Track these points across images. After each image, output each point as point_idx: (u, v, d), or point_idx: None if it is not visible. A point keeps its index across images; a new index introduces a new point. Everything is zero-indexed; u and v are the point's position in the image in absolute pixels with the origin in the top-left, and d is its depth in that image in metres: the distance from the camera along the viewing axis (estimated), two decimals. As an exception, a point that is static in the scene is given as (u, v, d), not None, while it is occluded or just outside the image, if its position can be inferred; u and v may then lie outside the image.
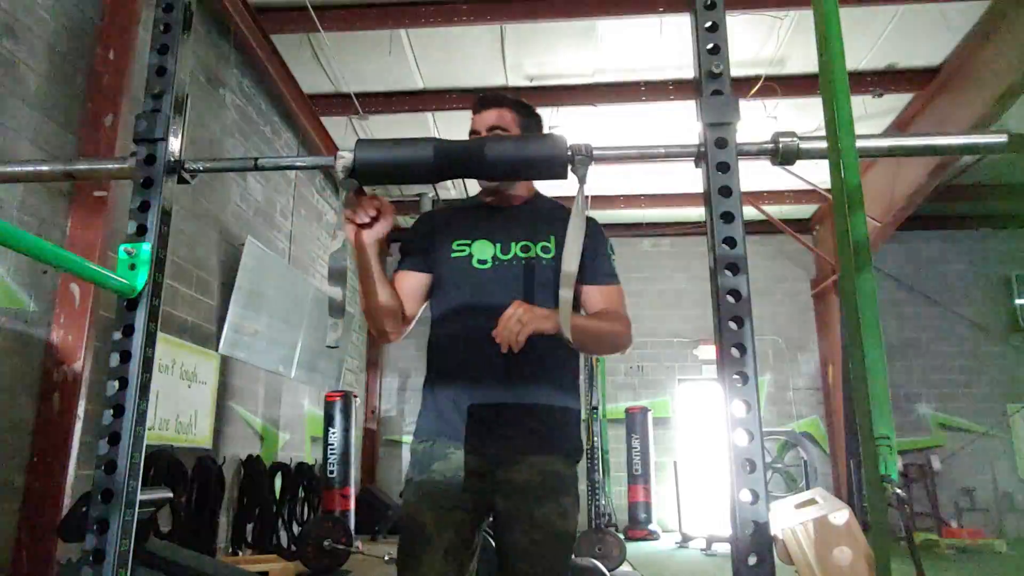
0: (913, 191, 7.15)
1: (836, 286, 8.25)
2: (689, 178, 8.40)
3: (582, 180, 1.21)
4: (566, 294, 1.28)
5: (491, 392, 1.59)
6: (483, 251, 1.67)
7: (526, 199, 1.77)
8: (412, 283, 1.71)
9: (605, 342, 1.66)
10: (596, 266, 1.69)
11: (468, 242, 1.68)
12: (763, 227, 8.77)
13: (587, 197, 1.22)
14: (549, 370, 1.63)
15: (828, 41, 1.11)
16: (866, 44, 6.02)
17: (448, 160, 1.25)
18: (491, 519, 1.63)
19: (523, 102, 1.77)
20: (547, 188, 1.72)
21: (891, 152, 1.18)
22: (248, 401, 5.93)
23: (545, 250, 1.66)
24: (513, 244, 1.67)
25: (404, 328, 1.69)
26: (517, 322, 1.42)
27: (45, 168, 1.23)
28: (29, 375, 3.42)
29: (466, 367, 1.62)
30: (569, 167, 1.22)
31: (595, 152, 1.20)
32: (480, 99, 1.74)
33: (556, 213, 1.73)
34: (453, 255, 1.68)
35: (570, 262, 1.26)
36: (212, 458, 5.00)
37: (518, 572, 1.54)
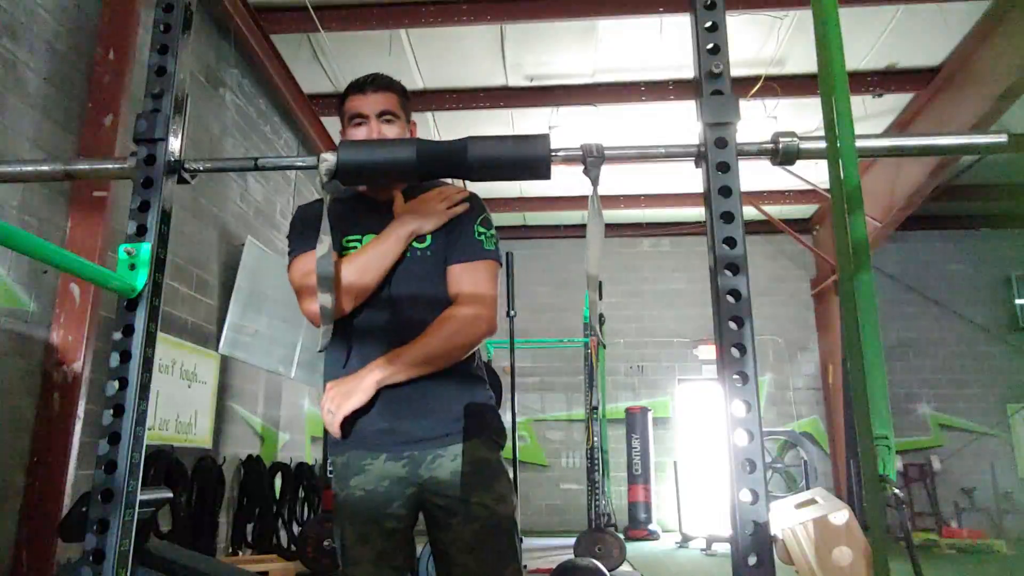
0: (913, 191, 7.15)
1: (836, 286, 8.26)
2: (689, 178, 8.40)
3: (595, 182, 1.20)
4: (593, 296, 1.25)
5: (393, 388, 1.51)
6: None
7: (403, 187, 1.65)
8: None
9: (450, 349, 1.51)
10: (459, 243, 1.57)
11: (359, 237, 1.59)
12: (763, 227, 8.77)
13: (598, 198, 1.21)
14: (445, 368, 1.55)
15: (828, 41, 1.11)
16: (866, 44, 6.02)
17: (431, 161, 1.25)
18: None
19: (405, 88, 1.71)
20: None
21: (891, 152, 1.18)
22: (248, 401, 5.93)
23: (420, 239, 1.57)
24: None
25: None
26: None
27: (45, 168, 1.23)
28: (29, 375, 3.42)
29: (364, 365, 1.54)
30: (583, 169, 1.21)
31: (595, 152, 1.20)
32: (369, 80, 1.63)
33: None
34: (345, 253, 1.58)
35: (591, 265, 1.25)
36: (212, 458, 5.00)
37: (466, 566, 1.47)
